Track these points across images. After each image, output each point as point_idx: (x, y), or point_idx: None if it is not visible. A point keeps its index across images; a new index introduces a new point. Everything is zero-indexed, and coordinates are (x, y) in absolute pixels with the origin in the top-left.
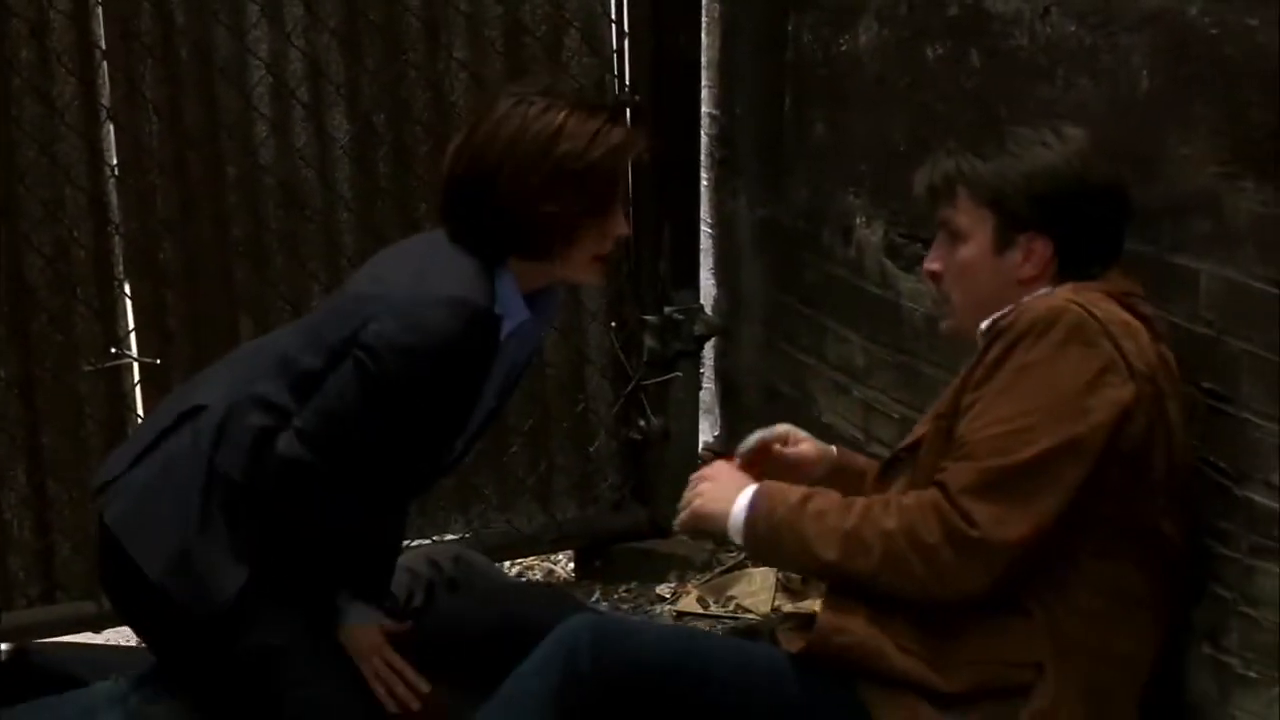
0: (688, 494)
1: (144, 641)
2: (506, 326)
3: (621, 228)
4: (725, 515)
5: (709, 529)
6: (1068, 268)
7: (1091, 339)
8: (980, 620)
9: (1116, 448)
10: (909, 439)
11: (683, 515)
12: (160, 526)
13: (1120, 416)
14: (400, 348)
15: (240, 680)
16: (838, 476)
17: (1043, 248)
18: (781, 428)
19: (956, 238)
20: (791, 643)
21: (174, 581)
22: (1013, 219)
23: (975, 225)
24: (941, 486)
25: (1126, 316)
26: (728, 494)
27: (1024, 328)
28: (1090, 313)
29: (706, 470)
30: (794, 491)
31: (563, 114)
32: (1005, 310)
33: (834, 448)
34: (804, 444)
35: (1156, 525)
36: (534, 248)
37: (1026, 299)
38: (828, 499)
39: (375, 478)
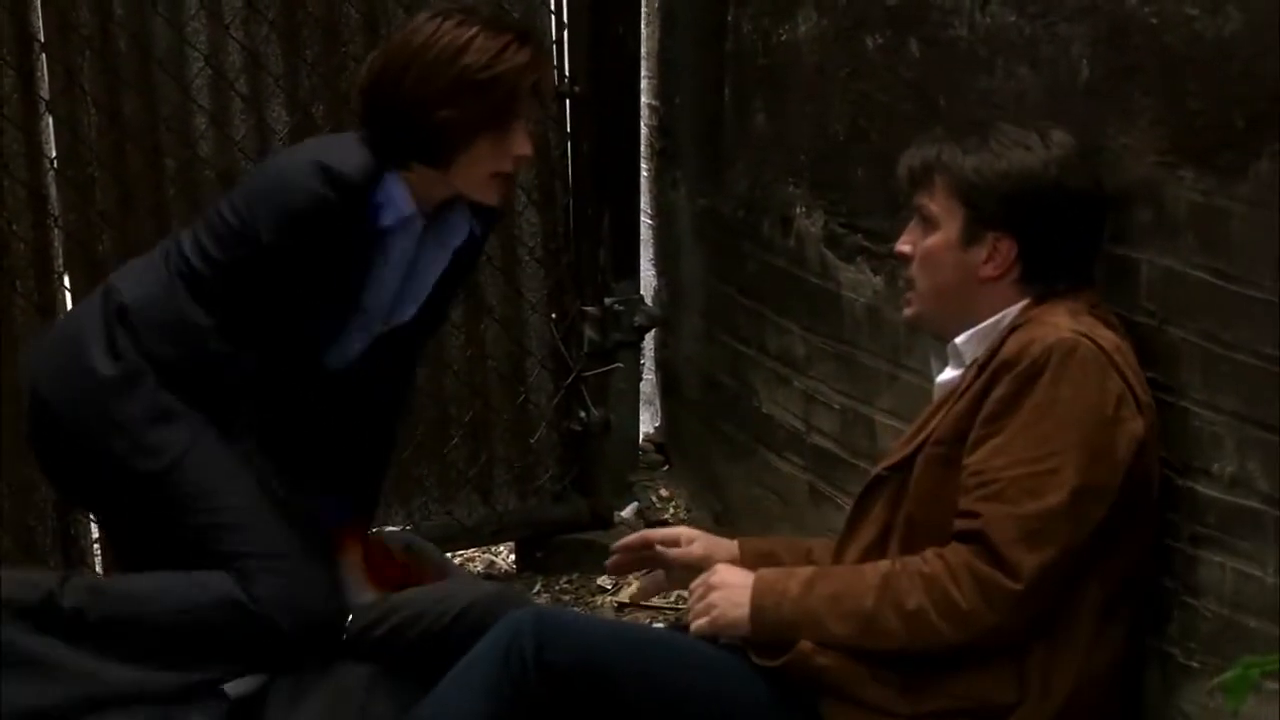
0: (697, 604)
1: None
2: (387, 216)
3: (522, 147)
4: (745, 620)
5: (734, 635)
6: (1034, 274)
7: (1104, 373)
8: (967, 660)
9: (1127, 484)
10: (893, 458)
11: (700, 623)
12: (54, 348)
13: (1138, 451)
14: (262, 196)
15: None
16: (762, 563)
17: (1007, 249)
18: (673, 531)
19: (928, 224)
20: (764, 659)
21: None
22: (982, 216)
23: (946, 216)
24: (978, 539)
25: (1119, 340)
26: (741, 598)
27: (1036, 361)
28: (1098, 344)
29: (713, 578)
30: (793, 579)
31: (474, 30)
32: (988, 324)
33: (735, 542)
34: (694, 545)
35: (1144, 544)
36: (431, 153)
37: (1011, 317)
38: (834, 579)
39: (264, 327)
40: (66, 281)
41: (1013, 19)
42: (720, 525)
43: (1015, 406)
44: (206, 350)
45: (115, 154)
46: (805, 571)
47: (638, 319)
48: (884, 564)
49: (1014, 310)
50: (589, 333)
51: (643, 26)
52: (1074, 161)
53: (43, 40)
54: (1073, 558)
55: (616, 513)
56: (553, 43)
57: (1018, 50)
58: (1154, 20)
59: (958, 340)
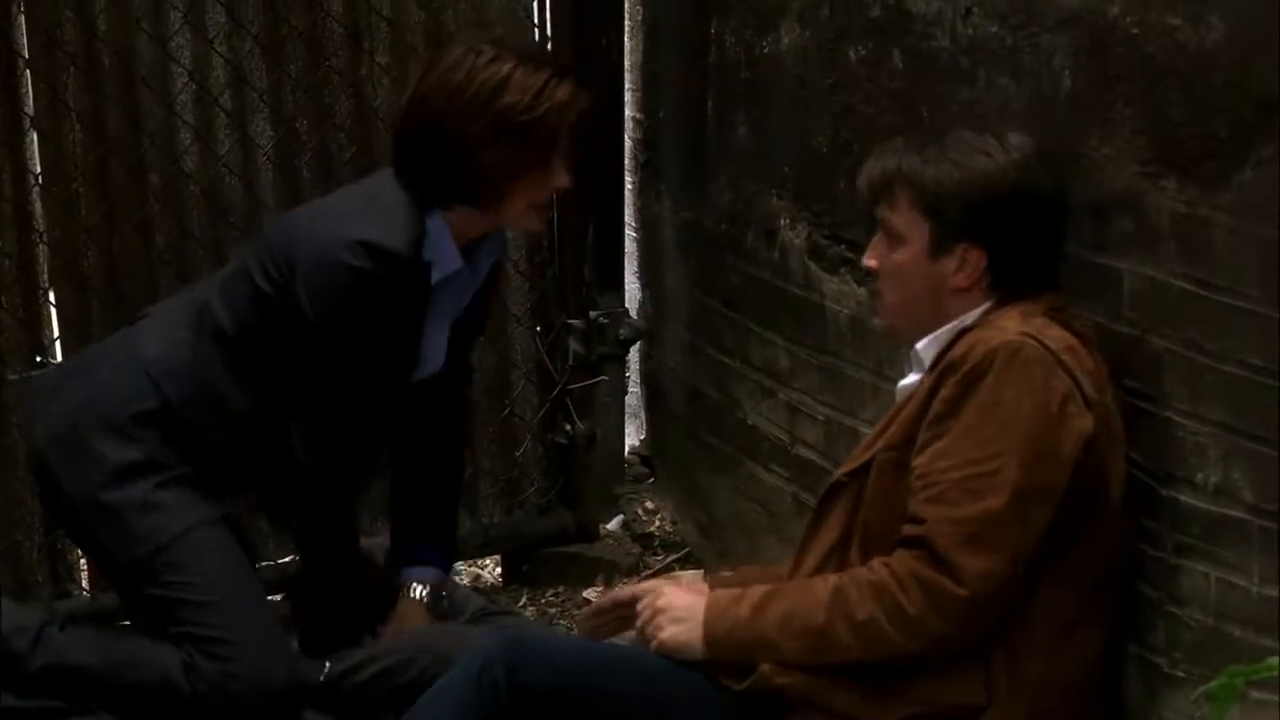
0: (646, 627)
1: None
2: (436, 273)
3: (561, 179)
4: (699, 644)
5: (689, 658)
6: (1002, 280)
7: (1049, 372)
8: (931, 664)
9: (1078, 482)
10: (852, 463)
11: (653, 646)
12: (66, 407)
13: (1084, 449)
14: (306, 275)
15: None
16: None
17: (977, 259)
18: (640, 587)
19: (893, 238)
20: (729, 681)
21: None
22: (948, 227)
23: (912, 230)
24: (922, 544)
25: (1071, 339)
26: (692, 620)
27: (980, 363)
28: (1043, 344)
29: (659, 600)
30: (744, 603)
31: (509, 65)
32: (946, 329)
33: (706, 585)
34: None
35: (1110, 546)
36: (473, 195)
37: (969, 321)
38: (785, 598)
39: (326, 406)
40: (51, 297)
41: (994, 30)
42: (706, 537)
43: (959, 408)
44: (238, 429)
45: (100, 169)
46: (756, 593)
47: (622, 332)
48: (833, 577)
49: (974, 314)
50: (574, 346)
51: (626, 39)
52: (1033, 164)
53: (27, 56)
54: (1023, 559)
55: (602, 525)
56: None
57: (1000, 61)
58: (1136, 30)
59: (919, 345)
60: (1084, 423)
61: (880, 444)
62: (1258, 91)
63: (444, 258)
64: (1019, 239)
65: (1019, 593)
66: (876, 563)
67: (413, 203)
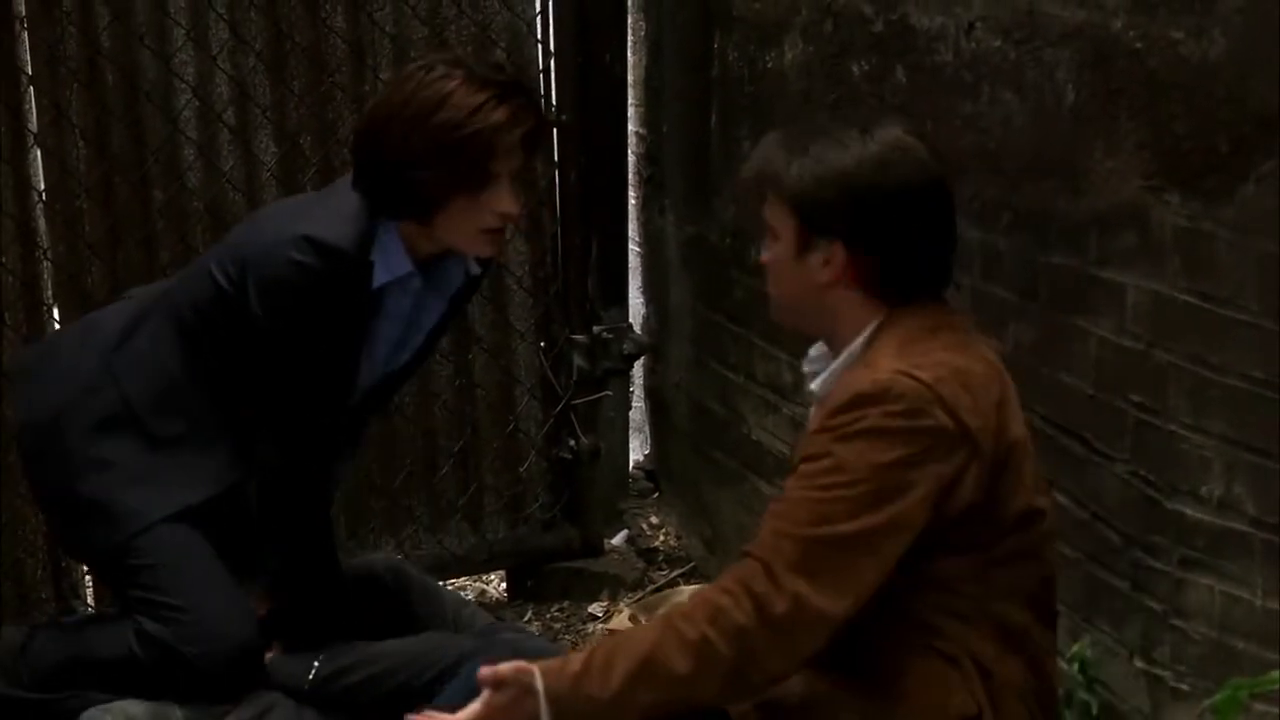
0: None
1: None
2: (381, 275)
3: (505, 205)
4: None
5: None
6: (880, 281)
7: (919, 410)
8: (920, 674)
9: (949, 513)
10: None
11: None
12: (44, 382)
13: (941, 491)
14: (258, 282)
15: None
16: None
17: (838, 254)
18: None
19: (772, 236)
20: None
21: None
22: (811, 223)
23: (781, 225)
24: (762, 563)
25: (957, 363)
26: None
27: (849, 402)
28: (918, 379)
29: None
30: (590, 679)
31: (453, 83)
32: (839, 362)
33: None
34: None
35: (1033, 554)
36: (408, 211)
37: (857, 345)
38: (610, 645)
39: (280, 407)
40: (55, 314)
41: (998, 44)
42: (710, 551)
43: (818, 439)
44: (200, 423)
45: (103, 186)
46: (597, 661)
47: (626, 347)
48: (667, 614)
49: (862, 338)
50: (578, 361)
51: (629, 55)
52: (894, 156)
53: (30, 73)
54: (864, 588)
55: (607, 540)
56: (540, 71)
57: (1003, 75)
58: (1139, 44)
59: (813, 385)
60: (945, 467)
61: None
62: (1259, 105)
63: (391, 261)
64: (879, 235)
65: (963, 602)
66: (719, 581)
67: (365, 207)
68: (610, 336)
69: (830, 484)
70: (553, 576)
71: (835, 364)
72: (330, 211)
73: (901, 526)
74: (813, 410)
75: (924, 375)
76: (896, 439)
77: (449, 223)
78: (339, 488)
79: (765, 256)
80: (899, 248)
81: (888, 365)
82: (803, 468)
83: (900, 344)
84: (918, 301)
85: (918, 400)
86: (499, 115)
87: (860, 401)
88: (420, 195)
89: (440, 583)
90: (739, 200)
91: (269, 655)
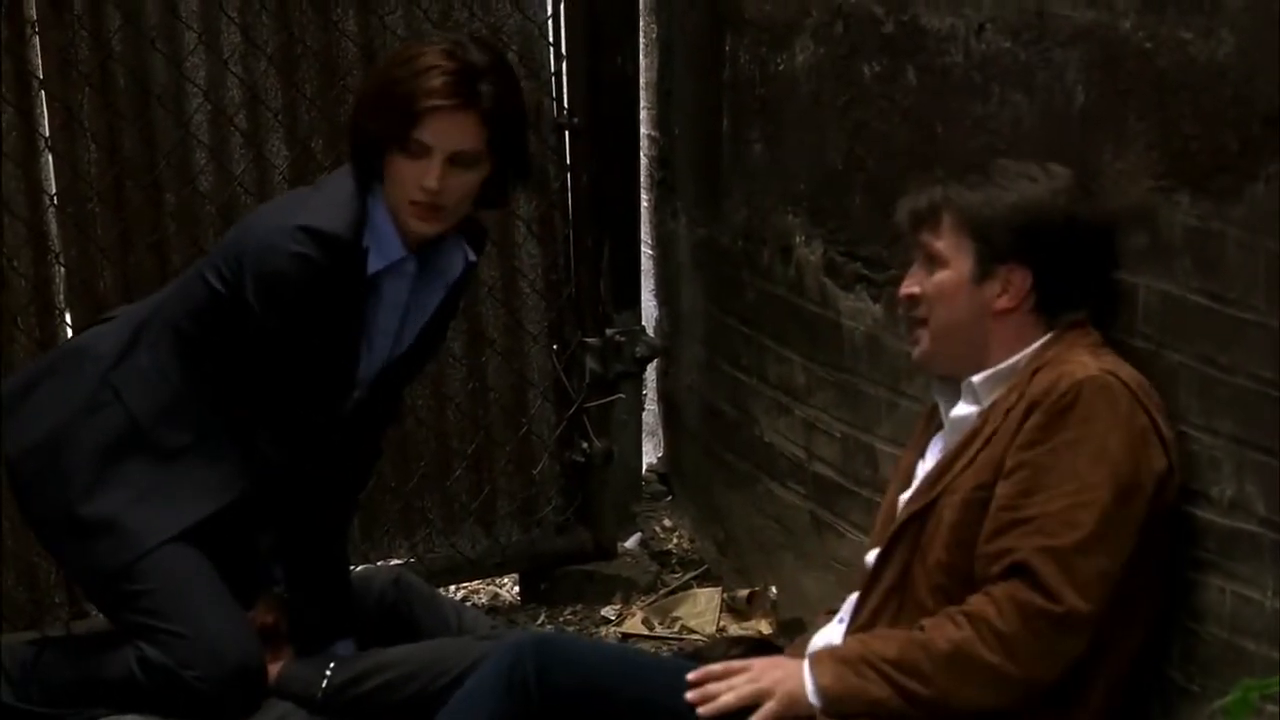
0: (744, 688)
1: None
2: (375, 262)
3: (428, 179)
4: (802, 691)
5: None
6: (1046, 307)
7: (1132, 409)
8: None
9: (1150, 516)
10: (917, 503)
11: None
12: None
13: (1158, 486)
14: (256, 275)
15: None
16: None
17: (1021, 280)
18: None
19: (935, 263)
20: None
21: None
22: (994, 249)
23: (956, 253)
24: (1021, 573)
25: (1139, 375)
26: (791, 670)
27: (1066, 394)
28: (1124, 382)
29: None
30: (869, 681)
31: (427, 49)
32: (1006, 365)
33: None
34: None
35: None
36: (363, 168)
37: (1022, 358)
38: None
39: (270, 403)
40: (68, 318)
41: (1007, 45)
42: (723, 554)
43: (1046, 439)
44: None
45: (115, 190)
46: (856, 645)
47: (639, 349)
48: (952, 635)
49: (1030, 351)
50: (590, 364)
51: (641, 57)
52: (1077, 191)
53: (42, 77)
54: (1112, 587)
55: (620, 543)
56: (551, 74)
57: (1013, 77)
58: (1148, 44)
59: (975, 379)
60: (1160, 463)
61: (956, 481)
62: (1269, 105)
63: (385, 245)
64: (1063, 261)
65: (1107, 616)
66: (972, 601)
67: (358, 190)
68: (623, 339)
69: (1074, 489)
70: (565, 580)
71: (1000, 367)
72: (323, 198)
73: (1135, 522)
74: (970, 409)
75: (1127, 380)
76: (1120, 436)
77: (389, 188)
78: (357, 497)
79: (920, 285)
80: (1076, 273)
81: (1094, 364)
82: (1037, 476)
83: (1091, 353)
84: (1078, 319)
85: (1126, 400)
86: (434, 83)
87: (1081, 395)
88: (367, 147)
89: (453, 586)
90: (751, 204)
91: (281, 664)
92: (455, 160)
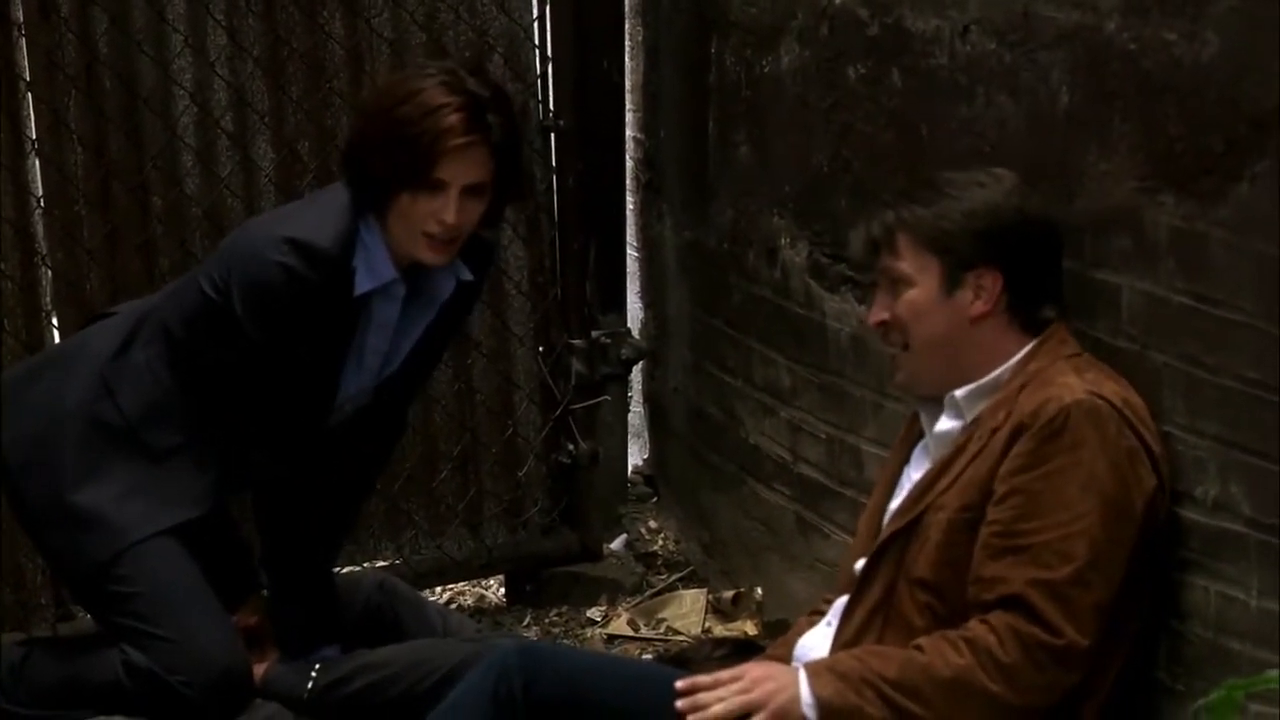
0: (734, 700)
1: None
2: (365, 281)
3: (446, 212)
4: (795, 704)
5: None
6: (1019, 303)
7: (1120, 431)
8: None
9: (1141, 536)
10: (900, 520)
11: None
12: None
13: (1150, 504)
14: (240, 283)
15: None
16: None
17: (992, 281)
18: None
19: (901, 284)
20: None
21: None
22: (959, 258)
23: (919, 271)
24: (1017, 605)
25: (1125, 391)
26: (784, 682)
27: (1054, 419)
28: (1110, 402)
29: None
30: (865, 701)
31: (429, 84)
32: (989, 379)
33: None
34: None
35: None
36: (366, 201)
37: (1006, 370)
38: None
39: (251, 414)
40: (55, 321)
41: (992, 47)
42: (709, 556)
43: (1036, 465)
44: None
45: (102, 192)
46: (854, 658)
47: (625, 351)
48: (954, 661)
49: (1012, 363)
50: (576, 366)
51: (627, 60)
52: (1025, 190)
53: (28, 79)
54: (1107, 613)
55: (606, 545)
56: (537, 77)
57: (998, 78)
58: (1132, 46)
59: (958, 393)
60: (1150, 480)
61: (941, 499)
62: (1253, 106)
63: (375, 266)
64: (1028, 256)
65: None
66: (971, 627)
67: (350, 206)
68: (608, 341)
69: (1066, 519)
70: (551, 581)
71: (983, 381)
72: (316, 211)
73: (1125, 545)
74: (953, 424)
75: (1113, 400)
76: (1112, 461)
77: (396, 221)
78: (357, 507)
79: (888, 311)
80: (1046, 265)
81: (1079, 385)
82: (1028, 504)
83: (1075, 370)
84: (1050, 328)
85: (1114, 422)
86: (449, 121)
87: (1069, 420)
88: (372, 185)
89: (439, 587)
90: (736, 206)
91: (266, 666)
92: (467, 191)
